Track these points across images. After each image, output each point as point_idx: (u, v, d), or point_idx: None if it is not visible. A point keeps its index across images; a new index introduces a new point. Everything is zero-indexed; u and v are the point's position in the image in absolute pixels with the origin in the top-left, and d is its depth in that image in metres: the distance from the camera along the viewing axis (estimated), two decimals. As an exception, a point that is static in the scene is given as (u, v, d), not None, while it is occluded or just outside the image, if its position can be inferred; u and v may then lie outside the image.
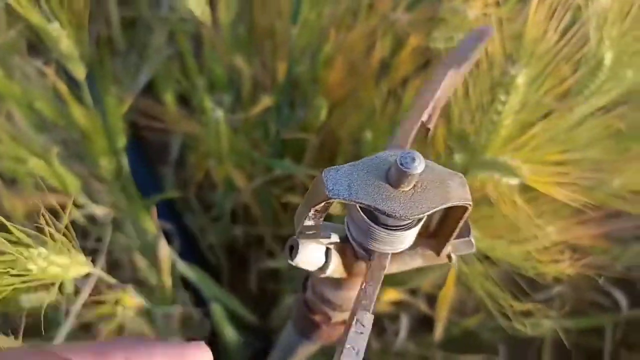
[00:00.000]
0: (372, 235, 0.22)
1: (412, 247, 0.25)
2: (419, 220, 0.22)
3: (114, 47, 0.74)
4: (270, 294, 0.75)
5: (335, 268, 0.26)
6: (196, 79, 0.59)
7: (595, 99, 0.45)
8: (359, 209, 0.22)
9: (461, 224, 0.23)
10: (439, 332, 0.56)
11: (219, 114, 0.50)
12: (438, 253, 0.25)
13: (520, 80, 0.39)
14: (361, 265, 0.26)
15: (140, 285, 0.59)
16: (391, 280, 0.63)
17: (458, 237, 0.25)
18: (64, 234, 0.28)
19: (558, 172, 0.40)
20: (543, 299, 0.67)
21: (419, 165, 0.20)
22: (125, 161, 0.54)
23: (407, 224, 0.21)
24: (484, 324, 0.66)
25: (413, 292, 0.66)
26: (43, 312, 0.30)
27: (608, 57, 0.42)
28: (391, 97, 0.54)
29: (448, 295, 0.53)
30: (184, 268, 0.59)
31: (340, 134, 0.64)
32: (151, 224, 0.58)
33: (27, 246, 0.27)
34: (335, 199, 0.20)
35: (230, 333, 0.63)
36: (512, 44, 0.40)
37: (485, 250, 0.43)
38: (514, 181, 0.40)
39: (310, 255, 0.25)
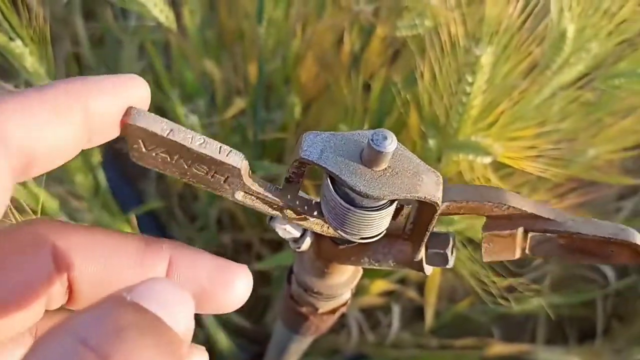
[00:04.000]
0: (336, 212, 0.22)
1: (387, 246, 0.25)
2: (384, 207, 0.22)
3: (85, 64, 0.74)
4: (263, 298, 0.75)
5: (309, 246, 0.26)
6: (168, 87, 0.59)
7: (563, 73, 0.46)
8: (329, 181, 0.22)
9: (431, 227, 0.23)
10: (429, 318, 0.56)
11: (193, 119, 0.50)
12: (411, 259, 0.25)
13: (485, 59, 0.39)
14: (336, 250, 0.26)
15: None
16: (379, 271, 0.63)
17: (433, 247, 0.25)
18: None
19: (530, 146, 0.40)
20: (532, 277, 0.67)
21: (390, 145, 0.20)
22: (102, 177, 0.54)
23: (368, 206, 0.21)
24: (475, 307, 0.67)
25: (402, 281, 0.67)
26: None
27: (570, 30, 0.43)
28: (364, 90, 0.55)
29: (435, 281, 0.54)
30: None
31: (318, 130, 0.64)
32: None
33: None
34: (305, 160, 0.21)
35: (223, 340, 0.63)
36: (474, 25, 0.40)
37: (466, 232, 0.43)
38: (487, 160, 0.40)
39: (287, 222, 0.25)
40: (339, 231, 0.22)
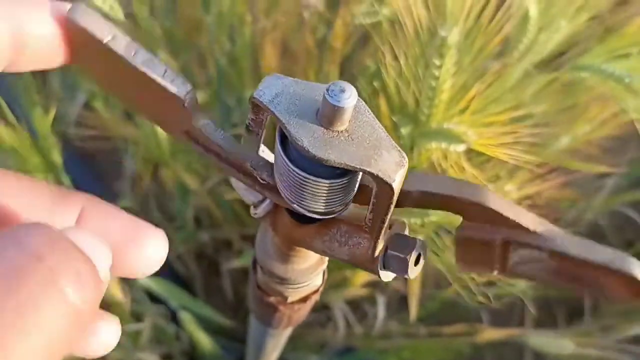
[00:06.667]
0: (280, 171, 0.19)
1: (345, 235, 0.22)
2: (332, 177, 0.19)
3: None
4: (247, 296, 0.74)
5: (266, 213, 0.24)
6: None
7: (533, 53, 0.44)
8: (279, 133, 0.19)
9: (387, 217, 0.20)
10: (413, 307, 0.55)
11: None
12: (368, 255, 0.22)
13: (452, 40, 0.37)
14: (292, 228, 0.23)
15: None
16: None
17: (394, 249, 0.22)
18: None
19: (504, 132, 0.39)
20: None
21: (348, 99, 0.17)
22: (64, 177, 0.52)
23: (312, 170, 0.19)
24: (461, 293, 0.65)
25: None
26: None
27: (533, 9, 0.41)
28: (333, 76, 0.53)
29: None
30: (145, 280, 0.57)
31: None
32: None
33: None
34: (256, 100, 0.18)
35: (205, 341, 0.61)
36: (436, 7, 0.38)
37: (442, 222, 0.41)
38: (460, 148, 0.38)
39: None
40: (283, 194, 0.20)
